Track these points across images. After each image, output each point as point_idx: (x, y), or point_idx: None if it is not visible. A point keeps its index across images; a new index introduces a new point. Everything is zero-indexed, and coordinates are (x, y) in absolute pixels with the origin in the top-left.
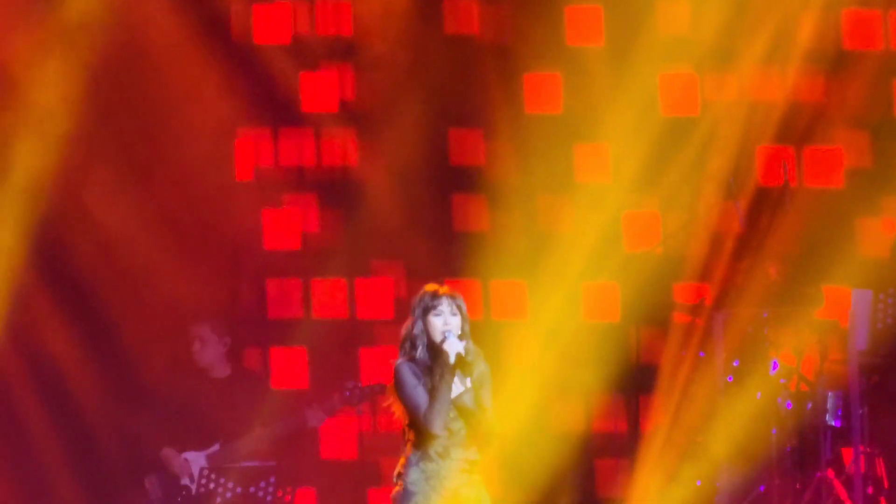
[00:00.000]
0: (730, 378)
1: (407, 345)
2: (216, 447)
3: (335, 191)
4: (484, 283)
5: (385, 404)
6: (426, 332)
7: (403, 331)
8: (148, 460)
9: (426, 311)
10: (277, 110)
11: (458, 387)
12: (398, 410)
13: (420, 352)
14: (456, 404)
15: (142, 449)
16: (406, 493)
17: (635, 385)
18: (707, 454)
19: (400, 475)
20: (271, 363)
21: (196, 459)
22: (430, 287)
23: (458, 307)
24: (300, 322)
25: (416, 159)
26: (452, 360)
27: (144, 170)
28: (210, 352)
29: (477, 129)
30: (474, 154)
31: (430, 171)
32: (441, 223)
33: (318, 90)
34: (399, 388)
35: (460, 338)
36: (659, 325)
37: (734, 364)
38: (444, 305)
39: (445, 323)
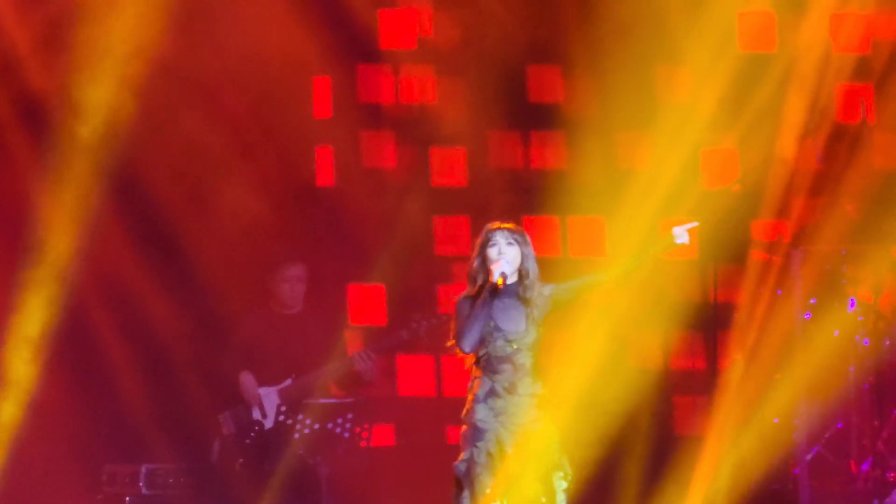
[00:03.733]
0: (807, 315)
1: (470, 280)
2: (288, 382)
3: (413, 128)
4: (562, 220)
5: (449, 343)
6: (484, 265)
7: (468, 268)
8: (226, 389)
9: (484, 244)
10: (356, 48)
11: (516, 318)
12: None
13: (478, 281)
14: (516, 337)
15: (219, 379)
16: (476, 431)
17: (713, 322)
18: (785, 391)
19: (469, 412)
20: (349, 299)
21: (268, 395)
22: (493, 224)
23: (516, 239)
24: (379, 259)
25: (495, 96)
26: (496, 277)
27: (225, 108)
28: (299, 290)
29: (555, 66)
30: (553, 90)
31: (508, 109)
32: (520, 160)
33: (397, 27)
34: (455, 321)
35: (519, 269)
36: (736, 262)
37: (811, 302)
38: (499, 237)
39: (500, 252)
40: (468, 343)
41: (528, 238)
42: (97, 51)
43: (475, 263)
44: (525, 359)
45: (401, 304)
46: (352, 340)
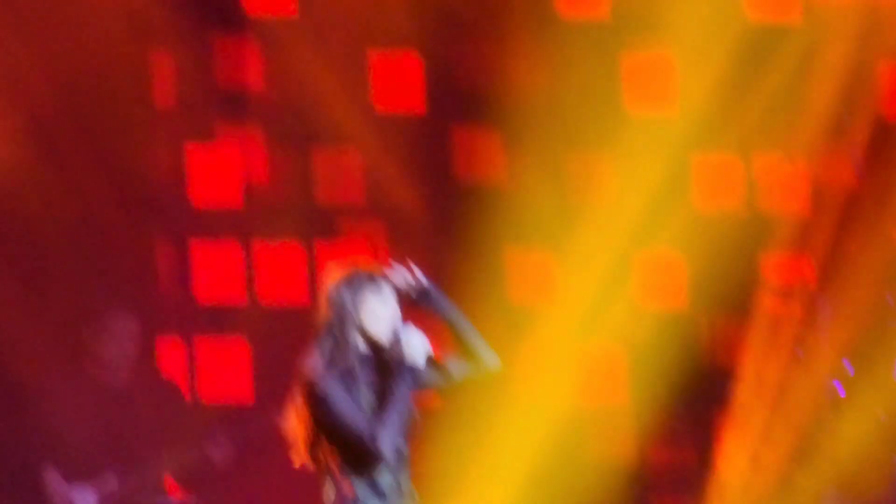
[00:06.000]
0: (839, 388)
1: (329, 348)
2: (111, 479)
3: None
4: (496, 253)
5: (292, 441)
6: (361, 327)
7: (320, 329)
8: (22, 491)
9: (359, 298)
10: (211, 14)
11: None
12: (318, 447)
13: (350, 357)
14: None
15: (12, 477)
16: None
17: (705, 397)
18: (806, 496)
19: None
20: (197, 360)
21: (83, 497)
22: (360, 265)
23: (395, 289)
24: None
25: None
26: (422, 362)
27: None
28: (127, 348)
29: (485, 42)
30: (485, 74)
31: (428, 97)
32: (437, 169)
33: None
34: (330, 417)
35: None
36: (739, 312)
37: (846, 368)
38: (387, 289)
39: (391, 314)
40: (390, 447)
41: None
42: None
43: (343, 326)
44: (405, 446)
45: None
46: (201, 423)
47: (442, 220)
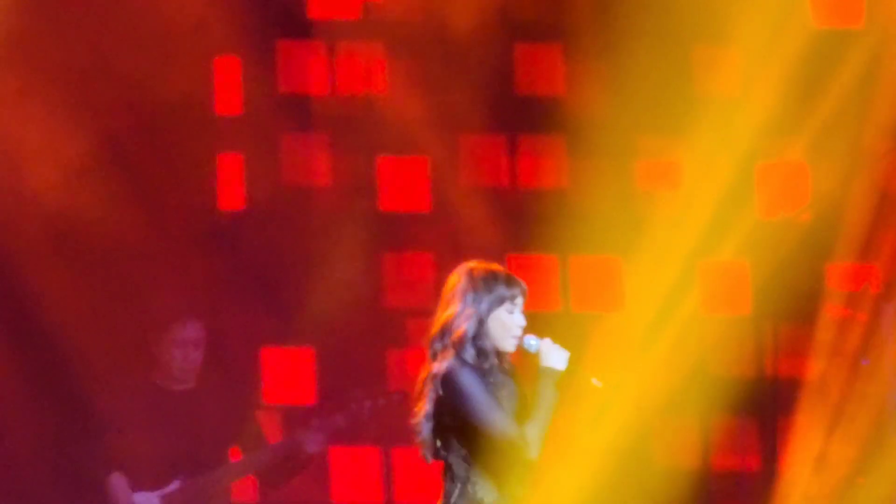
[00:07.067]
0: None
1: (466, 345)
2: (175, 485)
3: (355, 129)
4: (562, 260)
5: (416, 431)
6: (489, 331)
7: (449, 323)
8: (89, 496)
9: (496, 302)
10: (275, 18)
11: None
12: (441, 437)
13: (486, 358)
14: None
15: (80, 482)
16: None
17: (770, 404)
18: (870, 501)
19: None
20: (263, 368)
21: (147, 502)
22: (499, 269)
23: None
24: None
25: (468, 87)
26: (563, 366)
27: (94, 103)
28: (193, 358)
29: (553, 45)
30: (550, 80)
31: (488, 104)
32: (504, 176)
33: None
34: (464, 405)
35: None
36: (804, 320)
37: None
38: (521, 298)
39: (522, 323)
40: (536, 446)
41: None
42: None
43: (477, 326)
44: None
45: (336, 374)
46: (267, 424)
47: (508, 226)
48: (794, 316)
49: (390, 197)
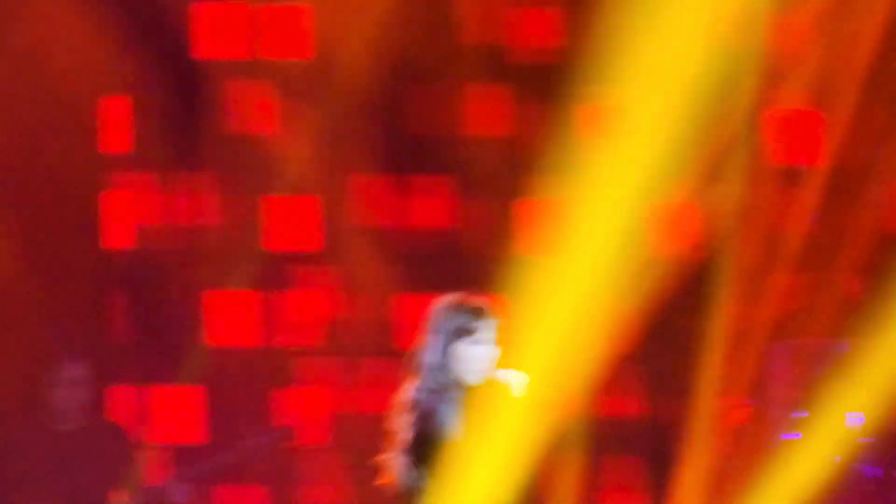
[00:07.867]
0: (793, 435)
1: (429, 374)
2: None
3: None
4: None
5: (384, 466)
6: (451, 363)
7: (416, 352)
8: None
9: (456, 335)
10: (162, 57)
11: None
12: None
13: (447, 388)
14: None
15: None
16: None
17: (648, 449)
18: None
19: None
20: (151, 407)
21: None
22: (470, 302)
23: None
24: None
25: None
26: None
27: None
28: (78, 397)
29: (444, 85)
30: (441, 120)
31: (383, 142)
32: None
33: (219, 27)
34: (432, 444)
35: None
36: (683, 358)
37: (800, 416)
38: (487, 332)
39: (488, 356)
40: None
41: None
42: None
43: (441, 355)
44: None
45: (223, 413)
46: (155, 465)
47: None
48: (673, 353)
49: (278, 236)
